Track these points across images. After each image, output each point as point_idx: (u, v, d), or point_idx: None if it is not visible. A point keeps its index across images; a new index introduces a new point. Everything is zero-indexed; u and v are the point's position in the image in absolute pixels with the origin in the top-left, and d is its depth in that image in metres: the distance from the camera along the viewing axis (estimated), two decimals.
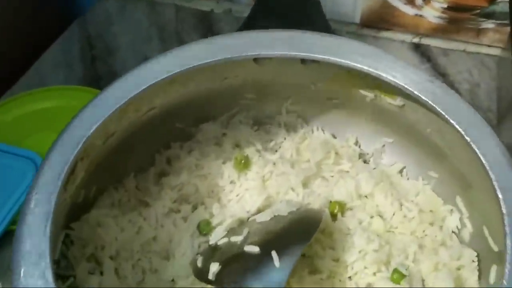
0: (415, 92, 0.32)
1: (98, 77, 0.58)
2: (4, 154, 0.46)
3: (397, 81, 0.33)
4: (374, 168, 0.43)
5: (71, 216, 0.37)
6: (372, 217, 0.40)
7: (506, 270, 0.27)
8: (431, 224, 0.40)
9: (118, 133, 0.38)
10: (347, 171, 0.42)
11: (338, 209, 0.40)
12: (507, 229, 0.28)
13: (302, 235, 0.34)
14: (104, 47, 0.60)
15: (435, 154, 0.40)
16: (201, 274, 0.35)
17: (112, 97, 0.34)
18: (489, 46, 0.57)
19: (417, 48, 0.57)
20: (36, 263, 0.26)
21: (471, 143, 0.30)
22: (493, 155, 0.30)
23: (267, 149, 0.44)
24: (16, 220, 0.43)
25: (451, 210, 0.40)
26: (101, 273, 0.37)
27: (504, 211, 0.29)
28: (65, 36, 0.61)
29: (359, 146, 0.45)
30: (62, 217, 0.35)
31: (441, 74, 0.56)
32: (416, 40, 0.58)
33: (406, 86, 0.33)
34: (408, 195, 0.41)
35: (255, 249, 0.33)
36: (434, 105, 0.32)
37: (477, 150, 0.30)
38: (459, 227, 0.40)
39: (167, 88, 0.38)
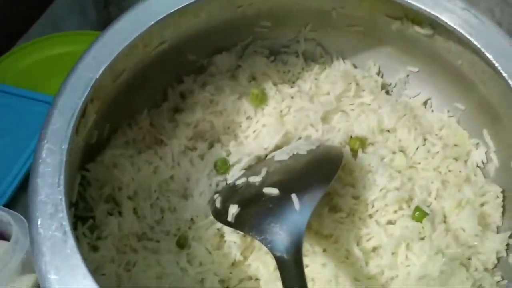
0: (448, 23, 0.29)
1: (111, 21, 0.55)
2: (24, 99, 0.46)
3: (428, 9, 0.30)
4: (397, 100, 0.41)
5: (86, 157, 0.36)
6: (394, 152, 0.38)
7: None
8: (456, 159, 0.38)
9: (128, 71, 0.36)
10: (369, 104, 0.41)
11: (359, 145, 0.38)
12: None
13: (323, 176, 0.33)
14: None
15: (463, 85, 0.38)
16: (220, 215, 0.34)
17: (119, 34, 0.32)
18: None
19: None
20: (53, 215, 0.25)
21: (507, 78, 0.28)
22: None
23: (284, 81, 0.42)
24: None
25: (477, 144, 0.39)
26: (120, 214, 0.36)
27: None
28: None
29: (382, 76, 0.43)
30: (77, 160, 0.35)
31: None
32: None
33: (437, 15, 0.30)
34: (432, 128, 0.39)
35: (274, 191, 0.32)
36: (468, 37, 0.29)
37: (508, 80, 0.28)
38: (485, 161, 0.38)
39: (178, 20, 0.35)
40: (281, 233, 0.30)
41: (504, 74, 0.28)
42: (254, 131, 0.40)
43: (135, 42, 0.33)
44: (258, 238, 0.31)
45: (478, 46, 0.29)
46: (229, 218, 0.33)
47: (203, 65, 0.42)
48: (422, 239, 0.35)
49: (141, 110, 0.40)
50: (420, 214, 0.35)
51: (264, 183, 0.34)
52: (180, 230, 0.37)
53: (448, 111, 0.40)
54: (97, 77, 0.29)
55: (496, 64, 0.29)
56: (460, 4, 0.30)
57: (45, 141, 0.28)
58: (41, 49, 0.51)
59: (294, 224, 0.30)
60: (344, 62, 0.43)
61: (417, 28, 0.35)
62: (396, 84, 0.42)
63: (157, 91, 0.41)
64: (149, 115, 0.41)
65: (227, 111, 0.40)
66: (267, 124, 0.39)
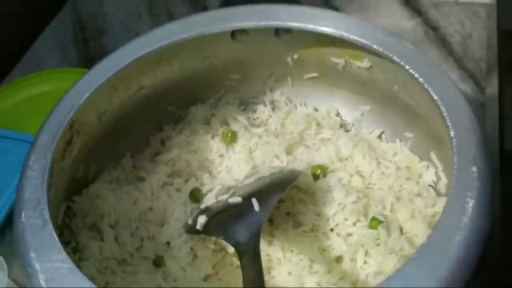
0: (373, 46, 0.35)
1: (91, 57, 0.62)
2: (4, 140, 0.49)
3: (357, 38, 0.36)
4: (355, 136, 0.46)
5: (73, 190, 0.41)
6: (351, 175, 0.42)
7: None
8: (408, 179, 0.42)
9: (112, 113, 0.42)
10: (329, 139, 0.45)
11: (320, 171, 0.42)
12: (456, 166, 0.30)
13: (279, 186, 0.37)
14: (96, 28, 0.65)
15: (410, 115, 0.42)
16: (191, 229, 0.38)
17: (98, 74, 0.38)
18: None
19: (408, 2, 0.60)
20: (35, 207, 0.29)
21: (423, 83, 0.33)
22: (451, 102, 0.33)
23: (253, 125, 0.47)
24: None
25: (427, 166, 0.42)
26: (102, 240, 0.40)
27: (455, 159, 0.30)
28: (57, 20, 0.66)
29: (340, 117, 0.48)
30: (63, 190, 0.39)
31: (432, 28, 0.58)
32: None
33: (365, 41, 0.36)
34: (386, 155, 0.43)
35: (237, 199, 0.36)
36: (392, 57, 0.34)
37: (433, 94, 0.33)
38: (435, 180, 0.42)
39: (153, 67, 0.42)
40: (242, 230, 0.33)
41: (419, 78, 0.33)
42: (226, 167, 0.44)
43: (115, 83, 0.39)
44: (222, 237, 0.34)
45: (401, 63, 0.34)
46: (198, 227, 0.36)
47: (181, 116, 0.48)
48: (378, 245, 0.38)
49: (125, 154, 0.45)
50: (375, 223, 0.38)
51: (230, 198, 0.38)
52: (158, 254, 0.40)
53: (400, 140, 0.44)
54: (81, 102, 0.35)
55: (420, 79, 0.34)
56: (383, 31, 0.37)
57: (33, 151, 0.32)
58: (22, 89, 0.55)
59: (254, 222, 0.33)
60: (306, 107, 0.48)
61: (358, 63, 0.41)
62: (353, 123, 0.47)
63: (140, 138, 0.47)
64: (132, 159, 0.46)
65: (201, 150, 0.45)
66: (238, 160, 0.44)
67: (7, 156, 0.49)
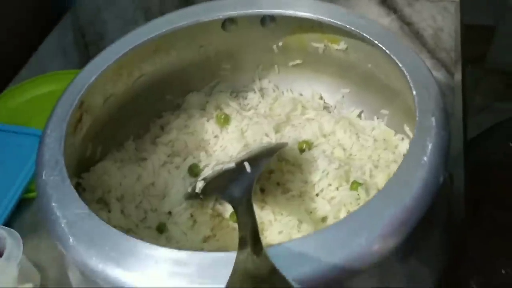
0: (347, 27, 0.40)
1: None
2: (14, 134, 0.54)
3: (333, 20, 0.41)
4: (337, 115, 0.51)
5: (82, 168, 0.45)
6: (334, 148, 0.47)
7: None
8: (385, 149, 0.46)
9: (116, 97, 0.46)
10: (313, 119, 0.50)
11: (305, 146, 0.47)
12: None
13: (268, 152, 0.41)
14: (95, 33, 0.70)
15: (385, 93, 0.47)
16: (190, 195, 0.42)
17: (104, 59, 0.42)
18: None
19: (384, 1, 0.66)
20: (54, 167, 0.34)
21: (392, 55, 0.38)
22: (414, 67, 0.37)
23: (244, 109, 0.52)
24: (30, 188, 0.51)
25: (402, 138, 0.47)
26: (109, 212, 0.44)
27: (417, 113, 0.35)
28: (59, 27, 0.71)
29: (324, 100, 0.52)
30: (73, 167, 0.43)
31: (406, 23, 0.64)
32: None
33: (339, 23, 0.41)
34: (365, 130, 0.48)
35: (231, 165, 0.41)
36: (365, 35, 0.39)
37: (398, 62, 0.37)
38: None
39: (152, 55, 0.46)
40: (236, 188, 0.37)
41: (389, 53, 0.38)
42: (220, 146, 0.49)
43: (119, 68, 0.43)
44: (219, 196, 0.38)
45: (373, 40, 0.39)
46: (197, 190, 0.41)
47: (178, 104, 0.52)
48: (359, 204, 0.42)
49: (128, 138, 0.50)
50: (355, 185, 0.42)
51: (224, 166, 0.42)
52: (160, 222, 0.44)
53: (377, 117, 0.49)
54: (90, 82, 0.39)
55: (387, 51, 0.38)
56: (355, 14, 0.42)
57: (50, 124, 0.37)
58: (28, 90, 0.60)
59: (246, 180, 0.38)
60: (292, 93, 0.53)
61: (335, 46, 0.46)
62: (335, 105, 0.52)
63: (141, 124, 0.51)
64: (135, 142, 0.50)
65: (198, 132, 0.49)
66: (231, 139, 0.48)
67: (19, 149, 0.54)
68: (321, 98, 0.52)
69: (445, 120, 0.33)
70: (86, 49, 0.69)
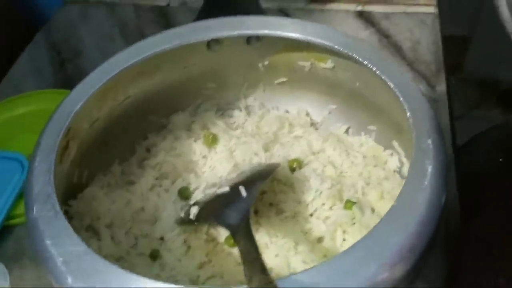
0: (333, 46, 0.40)
1: (69, 78, 0.65)
2: None
3: (318, 40, 0.41)
4: (324, 132, 0.50)
5: (68, 195, 0.43)
6: (325, 166, 0.46)
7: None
8: (375, 166, 0.47)
9: (102, 121, 0.45)
10: (301, 136, 0.50)
11: (296, 164, 0.47)
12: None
13: (262, 175, 0.41)
14: (71, 51, 0.68)
15: (372, 109, 0.47)
16: (183, 221, 0.41)
17: (90, 84, 0.41)
18: (426, 5, 0.66)
19: (361, 15, 0.67)
20: (45, 201, 0.32)
21: (382, 76, 0.38)
22: (405, 87, 0.38)
23: (231, 128, 0.51)
24: (12, 215, 0.49)
25: (391, 153, 0.47)
26: (99, 240, 0.43)
27: (414, 134, 0.35)
28: (32, 45, 0.69)
29: (310, 117, 0.52)
30: (60, 195, 0.41)
31: (384, 36, 0.64)
32: (359, 8, 0.67)
33: (328, 44, 0.41)
34: (353, 146, 0.48)
35: (225, 188, 0.40)
36: (352, 55, 0.39)
37: (389, 82, 0.38)
38: (399, 166, 0.47)
39: (137, 77, 0.45)
40: (233, 214, 0.37)
41: (378, 73, 0.38)
42: (209, 166, 0.48)
43: (105, 92, 0.42)
44: (215, 222, 0.38)
45: (360, 59, 0.39)
46: (191, 217, 0.40)
47: (163, 124, 0.51)
48: (354, 224, 0.42)
49: (113, 161, 0.49)
50: (349, 204, 0.42)
51: (217, 190, 0.42)
52: (153, 248, 0.43)
53: (365, 133, 0.49)
54: (77, 109, 0.38)
55: (377, 72, 0.38)
56: (343, 34, 0.42)
57: (37, 154, 0.35)
58: (3, 112, 0.58)
59: (242, 205, 0.37)
60: (278, 110, 0.52)
61: (323, 65, 0.46)
62: (322, 122, 0.52)
63: (126, 147, 0.50)
64: (121, 166, 0.49)
65: (185, 153, 0.48)
66: (220, 159, 0.48)
67: None
68: (307, 114, 0.52)
69: (441, 141, 0.33)
70: (62, 67, 0.67)
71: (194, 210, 0.40)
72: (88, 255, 0.30)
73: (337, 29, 0.41)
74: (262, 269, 0.29)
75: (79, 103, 0.38)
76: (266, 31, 0.43)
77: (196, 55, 0.46)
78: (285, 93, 0.52)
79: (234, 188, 0.39)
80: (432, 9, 0.68)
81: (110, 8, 0.74)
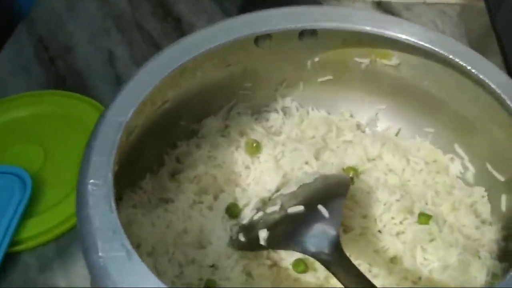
0: (417, 41, 0.36)
1: (61, 77, 0.57)
2: None
3: (398, 34, 0.36)
4: (373, 135, 0.46)
5: None
6: (386, 174, 0.42)
7: None
8: (437, 172, 0.43)
9: (137, 130, 0.38)
10: (351, 141, 0.45)
11: (353, 173, 0.42)
12: None
13: (337, 190, 0.36)
14: (60, 46, 0.60)
15: (430, 108, 0.43)
16: (247, 246, 0.35)
17: (135, 90, 0.34)
18: None
19: (379, 5, 0.62)
20: (112, 237, 0.26)
21: (485, 79, 0.33)
22: (504, 85, 0.34)
23: (270, 133, 0.46)
24: (16, 240, 0.42)
25: (452, 158, 0.43)
26: None
27: None
28: (13, 42, 0.60)
29: (354, 118, 0.48)
30: None
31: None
32: None
33: (407, 38, 0.36)
34: (410, 151, 0.44)
35: (299, 208, 0.35)
36: (437, 49, 0.35)
37: (491, 84, 0.33)
38: (462, 171, 0.43)
39: (178, 79, 0.39)
40: (318, 239, 0.32)
41: (475, 72, 0.34)
42: (254, 179, 0.42)
43: (146, 99, 0.36)
44: (297, 250, 0.32)
45: (446, 54, 0.35)
46: (262, 242, 0.34)
47: (193, 130, 0.45)
48: (432, 240, 0.38)
49: (143, 176, 0.42)
50: (424, 218, 0.38)
51: (284, 208, 0.36)
52: (203, 279, 0.37)
53: (419, 136, 0.45)
54: (128, 119, 0.31)
55: (469, 67, 0.34)
56: (420, 27, 0.37)
57: (87, 178, 0.29)
58: None
59: (327, 228, 0.32)
60: (319, 111, 0.47)
61: (385, 62, 0.41)
62: (368, 123, 0.47)
63: (153, 159, 0.43)
64: (151, 180, 0.42)
65: (226, 164, 0.43)
66: (265, 170, 0.42)
67: None
68: (351, 116, 0.47)
69: None
70: (52, 64, 0.59)
71: (263, 234, 0.34)
72: None
73: (412, 22, 0.36)
74: None
75: (128, 114, 0.32)
76: (327, 24, 0.38)
77: (242, 52, 0.40)
78: (327, 92, 0.47)
79: (310, 207, 0.34)
80: (454, 0, 0.64)
81: None
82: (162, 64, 0.35)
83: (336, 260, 0.30)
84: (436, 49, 0.35)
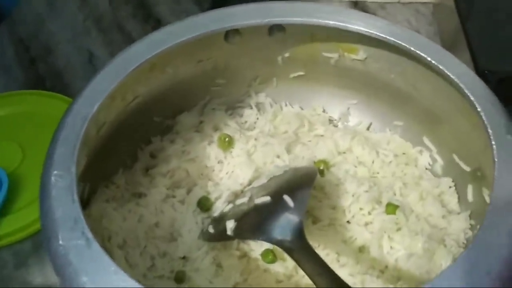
0: (381, 35, 0.36)
1: (41, 77, 0.58)
2: None
3: (362, 28, 0.37)
4: (346, 129, 0.47)
5: None
6: (355, 166, 0.43)
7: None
8: (406, 164, 0.43)
9: (108, 125, 0.39)
10: (322, 135, 0.46)
11: (323, 166, 0.43)
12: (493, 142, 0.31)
13: (304, 181, 0.37)
14: (41, 47, 0.60)
15: (398, 101, 0.44)
16: (215, 236, 0.36)
17: (102, 84, 0.35)
18: None
19: (356, 5, 0.63)
20: (73, 228, 0.26)
21: (446, 71, 0.34)
22: (464, 76, 0.34)
23: (244, 128, 0.46)
24: None
25: (420, 150, 0.44)
26: None
27: (490, 131, 0.31)
28: None
29: (326, 113, 0.48)
30: None
31: None
32: None
33: (371, 31, 0.37)
34: (380, 144, 0.45)
35: (266, 198, 0.35)
36: (400, 42, 0.36)
37: (452, 76, 0.34)
38: (431, 163, 0.43)
39: (148, 74, 0.40)
40: (283, 228, 0.32)
41: (436, 64, 0.34)
42: (227, 173, 0.43)
43: (117, 92, 0.36)
44: (261, 239, 0.33)
45: (411, 48, 0.36)
46: (228, 232, 0.35)
47: (168, 126, 0.46)
48: (399, 229, 0.38)
49: (116, 171, 0.43)
50: (392, 208, 0.39)
51: (252, 199, 0.37)
52: (174, 271, 0.37)
53: (390, 130, 0.46)
54: (92, 113, 0.32)
55: (429, 59, 0.35)
56: (385, 21, 0.38)
57: (51, 169, 0.29)
58: None
59: (292, 218, 0.33)
60: (292, 107, 0.48)
61: (353, 56, 0.42)
62: (340, 118, 0.48)
63: (127, 154, 0.44)
64: (124, 175, 0.43)
65: (199, 158, 0.43)
66: (237, 164, 0.43)
67: None
68: (324, 111, 0.48)
69: None
70: (32, 65, 0.60)
71: (230, 225, 0.35)
72: None
73: (377, 17, 0.37)
74: (336, 279, 0.26)
75: (94, 106, 0.32)
76: (294, 19, 0.39)
77: (212, 48, 0.41)
78: (300, 88, 0.48)
79: (276, 198, 0.35)
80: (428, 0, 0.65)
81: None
82: (129, 59, 0.36)
83: (298, 247, 0.31)
84: (398, 42, 0.36)
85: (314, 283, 0.28)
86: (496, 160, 0.29)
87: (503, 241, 0.26)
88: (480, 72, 0.44)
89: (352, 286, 0.32)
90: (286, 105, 0.48)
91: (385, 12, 0.64)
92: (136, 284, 0.25)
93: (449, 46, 0.57)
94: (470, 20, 0.49)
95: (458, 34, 0.54)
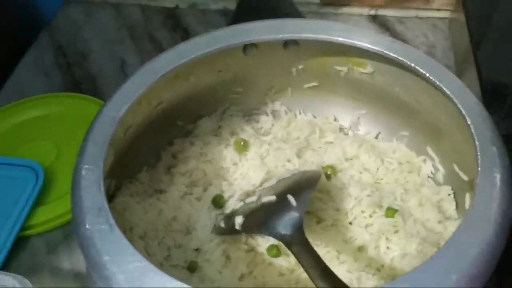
0: (383, 51, 0.39)
1: (77, 82, 0.63)
2: (3, 166, 0.49)
3: (366, 45, 0.40)
4: (355, 138, 0.50)
5: None
6: (360, 172, 0.46)
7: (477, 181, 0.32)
8: (410, 172, 0.46)
9: (134, 127, 0.43)
10: (332, 142, 0.49)
11: (330, 171, 0.46)
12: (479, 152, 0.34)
13: (308, 183, 0.40)
14: (77, 53, 0.65)
15: (405, 114, 0.47)
16: (225, 230, 0.40)
17: (129, 90, 0.39)
18: (438, 10, 0.66)
19: (375, 19, 0.66)
20: (98, 214, 0.31)
21: (441, 85, 0.37)
22: (457, 91, 0.37)
23: (259, 133, 0.50)
24: (27, 226, 0.47)
25: (424, 159, 0.47)
26: None
27: (477, 143, 0.34)
28: (35, 47, 0.66)
29: (338, 121, 0.51)
30: None
31: (401, 40, 0.64)
32: (372, 12, 0.67)
33: (374, 47, 0.40)
34: (386, 152, 0.48)
35: (271, 197, 0.39)
36: (400, 58, 0.39)
37: (446, 90, 0.37)
38: (433, 171, 0.46)
39: (172, 82, 0.44)
40: (284, 224, 0.36)
41: (433, 79, 0.37)
42: (240, 174, 0.46)
43: (144, 97, 0.40)
44: (265, 232, 0.36)
45: (408, 62, 0.39)
46: (237, 227, 0.38)
47: (189, 129, 0.50)
48: (396, 231, 0.41)
49: (140, 169, 0.47)
50: (391, 212, 0.42)
51: (260, 198, 0.40)
52: (187, 261, 0.41)
53: (396, 139, 0.49)
54: (121, 115, 0.36)
55: (427, 74, 0.38)
56: (388, 39, 0.41)
57: (82, 164, 0.33)
58: (11, 116, 0.55)
59: (294, 215, 0.36)
60: (306, 115, 0.51)
61: (361, 70, 0.45)
62: (350, 127, 0.51)
63: (151, 154, 0.48)
64: (148, 173, 0.47)
65: (216, 160, 0.47)
66: (251, 166, 0.46)
67: (10, 182, 0.49)
68: (335, 119, 0.51)
69: (504, 149, 0.33)
70: (69, 69, 0.65)
71: (239, 220, 0.39)
72: (150, 271, 0.28)
73: (381, 34, 0.40)
74: (328, 273, 0.28)
75: (122, 110, 0.36)
76: (306, 35, 0.42)
77: (232, 59, 0.45)
78: (313, 98, 0.51)
79: (281, 197, 0.38)
80: (445, 14, 0.68)
81: (115, 9, 0.72)
82: (156, 67, 0.40)
83: (296, 241, 0.34)
84: (400, 58, 0.39)
85: (308, 275, 0.31)
86: (479, 169, 0.32)
87: (474, 242, 0.29)
88: (484, 87, 0.47)
89: (348, 281, 0.35)
90: (300, 113, 0.51)
91: (403, 26, 0.67)
92: (151, 264, 0.29)
93: (461, 60, 0.60)
94: (478, 35, 0.52)
95: (470, 49, 0.56)
